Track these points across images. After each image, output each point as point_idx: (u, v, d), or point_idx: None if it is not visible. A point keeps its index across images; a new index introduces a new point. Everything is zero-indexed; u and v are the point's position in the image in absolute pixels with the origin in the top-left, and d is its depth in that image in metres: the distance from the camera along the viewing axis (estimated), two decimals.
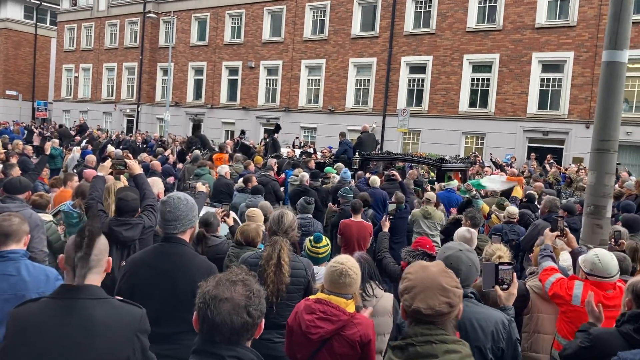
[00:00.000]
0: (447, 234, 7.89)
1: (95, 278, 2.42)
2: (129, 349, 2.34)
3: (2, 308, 3.19)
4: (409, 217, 8.98)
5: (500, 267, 3.24)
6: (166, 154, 14.51)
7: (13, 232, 3.37)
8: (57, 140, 16.83)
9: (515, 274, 3.32)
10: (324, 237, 4.82)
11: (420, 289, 2.04)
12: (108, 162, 5.14)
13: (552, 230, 4.81)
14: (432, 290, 2.02)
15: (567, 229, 4.88)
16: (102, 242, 2.48)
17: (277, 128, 19.58)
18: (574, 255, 4.80)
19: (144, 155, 13.34)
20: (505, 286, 3.23)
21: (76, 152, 12.99)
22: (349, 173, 11.04)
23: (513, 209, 8.03)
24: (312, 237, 4.75)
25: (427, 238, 5.08)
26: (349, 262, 3.27)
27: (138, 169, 4.95)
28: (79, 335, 2.25)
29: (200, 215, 5.49)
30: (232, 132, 30.90)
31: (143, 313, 2.46)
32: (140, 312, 2.46)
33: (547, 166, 17.53)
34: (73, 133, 24.41)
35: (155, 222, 4.55)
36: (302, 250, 5.84)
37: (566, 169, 16.78)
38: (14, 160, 9.44)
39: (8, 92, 44.86)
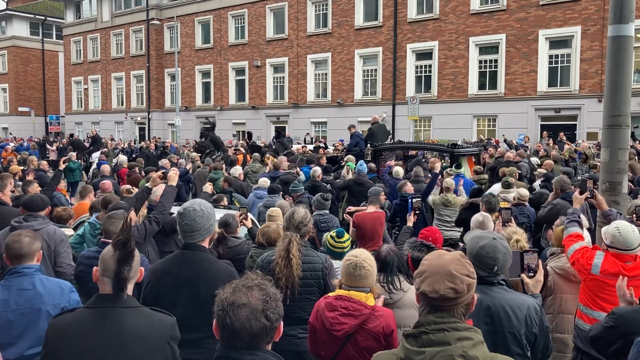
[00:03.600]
0: (465, 219, 7.85)
1: (129, 287, 2.53)
2: (161, 356, 2.43)
3: (19, 322, 3.31)
4: (430, 204, 8.90)
5: (525, 254, 3.22)
6: (188, 167, 14.33)
7: (25, 253, 3.45)
8: (74, 154, 17.01)
9: (540, 260, 3.31)
10: (345, 232, 4.86)
11: (429, 273, 2.10)
12: (159, 174, 5.30)
13: (581, 193, 4.77)
14: (439, 275, 2.07)
15: (596, 191, 4.83)
16: (137, 254, 2.58)
17: (278, 134, 20.00)
18: (605, 217, 4.79)
19: (164, 162, 13.44)
20: (531, 273, 3.21)
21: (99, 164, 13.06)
22: (365, 166, 11.04)
23: (524, 191, 7.91)
24: (333, 233, 4.77)
25: (435, 229, 5.07)
26: (362, 255, 3.32)
27: (172, 181, 5.11)
28: (112, 343, 2.35)
29: (219, 217, 5.58)
30: (243, 132, 31.01)
31: (174, 321, 2.55)
32: (171, 320, 2.54)
33: (566, 143, 17.40)
34: (87, 145, 24.68)
35: (143, 235, 4.60)
36: (321, 246, 5.88)
37: (576, 147, 16.63)
38: (30, 177, 9.57)
39: (20, 109, 45.36)
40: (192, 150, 20.72)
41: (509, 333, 2.85)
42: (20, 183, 8.64)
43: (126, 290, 2.45)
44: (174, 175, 5.14)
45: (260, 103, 32.11)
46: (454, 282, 2.05)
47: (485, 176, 11.22)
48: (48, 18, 47.43)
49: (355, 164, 11.44)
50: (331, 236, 4.75)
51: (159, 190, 5.51)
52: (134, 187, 7.99)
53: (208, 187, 6.23)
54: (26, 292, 3.34)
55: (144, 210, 5.49)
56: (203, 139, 18.75)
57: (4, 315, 3.29)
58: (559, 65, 22.59)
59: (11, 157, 16.05)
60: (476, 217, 5.21)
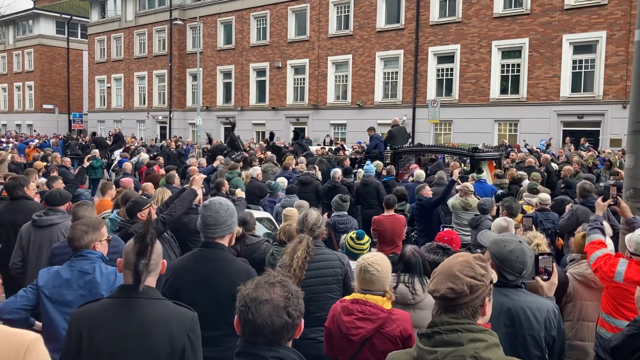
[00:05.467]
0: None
1: (151, 280, 2.59)
2: (180, 347, 2.45)
3: (77, 303, 3.41)
4: (449, 207, 8.83)
5: (540, 257, 3.20)
6: (216, 164, 14.38)
7: (76, 246, 3.61)
8: (97, 151, 17.25)
9: (555, 263, 3.28)
10: (365, 234, 4.86)
11: (437, 273, 2.14)
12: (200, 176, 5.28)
13: (604, 200, 4.66)
14: (443, 275, 2.10)
15: (619, 198, 4.72)
16: (158, 246, 2.62)
17: (296, 135, 20.19)
18: (629, 225, 4.70)
19: (192, 161, 13.57)
20: (545, 276, 3.19)
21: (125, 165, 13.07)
22: (372, 167, 11.06)
23: (545, 196, 7.83)
24: (353, 234, 4.77)
25: (452, 232, 5.01)
26: (371, 259, 3.31)
27: (195, 185, 4.96)
28: (135, 331, 2.42)
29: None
30: (263, 132, 31.16)
31: (195, 316, 2.58)
32: (192, 314, 2.58)
33: (582, 151, 17.16)
34: (109, 143, 24.97)
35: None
36: (339, 247, 5.88)
37: (599, 154, 16.39)
38: (54, 173, 9.72)
39: (45, 106, 46.16)
40: (204, 148, 20.82)
41: (529, 336, 2.84)
42: (44, 179, 8.79)
43: (144, 282, 2.49)
44: (198, 179, 5.07)
45: (280, 104, 32.22)
46: (454, 282, 2.06)
47: (506, 180, 11.13)
48: (74, 17, 48.22)
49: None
50: (351, 237, 4.74)
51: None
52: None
53: (241, 193, 6.19)
54: (87, 276, 3.50)
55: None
56: (218, 142, 18.92)
57: (66, 294, 3.45)
58: (583, 70, 22.29)
59: (37, 154, 16.30)
60: (499, 222, 5.14)
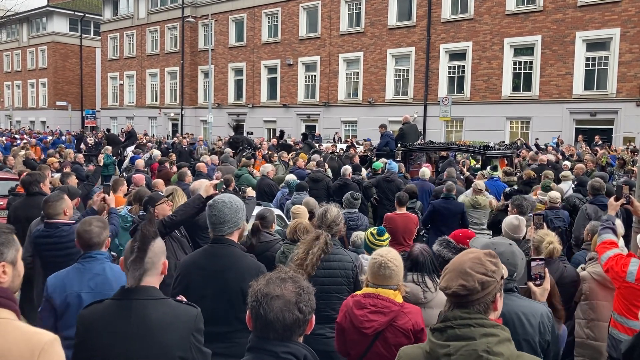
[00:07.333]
0: (499, 221, 7.75)
1: (151, 280, 2.55)
2: (185, 347, 2.47)
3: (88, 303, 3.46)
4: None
5: (532, 262, 3.21)
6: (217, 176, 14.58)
7: (94, 242, 3.61)
8: (109, 148, 17.38)
9: (547, 268, 3.28)
10: (386, 231, 4.88)
11: (449, 270, 2.16)
12: (213, 183, 5.29)
13: (616, 199, 4.59)
14: (455, 272, 2.11)
15: (632, 197, 4.68)
16: (158, 245, 2.59)
17: (305, 136, 20.32)
18: None
19: (207, 159, 13.69)
20: (538, 282, 3.20)
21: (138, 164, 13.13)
22: (395, 164, 11.07)
23: (555, 194, 7.76)
24: (374, 230, 4.79)
25: (468, 231, 4.99)
26: (389, 255, 3.32)
27: (205, 192, 4.69)
28: (138, 333, 2.41)
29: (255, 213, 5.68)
30: (274, 130, 31.22)
31: (198, 312, 2.58)
32: (195, 311, 2.58)
33: (598, 148, 17.03)
34: (122, 139, 25.11)
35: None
36: (349, 245, 5.90)
37: (613, 151, 16.26)
38: (67, 169, 9.82)
39: (58, 103, 46.59)
40: (214, 147, 20.89)
41: (523, 340, 2.81)
42: (57, 174, 8.90)
43: (137, 280, 2.48)
44: (209, 186, 4.97)
45: (292, 101, 32.25)
46: (466, 279, 2.07)
47: (514, 178, 11.09)
48: (86, 15, 48.58)
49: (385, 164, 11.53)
50: (371, 233, 4.76)
51: (196, 185, 5.58)
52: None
53: (251, 192, 6.24)
54: (97, 277, 3.50)
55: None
56: (237, 136, 18.98)
57: (76, 296, 3.46)
58: (596, 67, 22.10)
59: (52, 151, 16.42)
60: (511, 221, 5.09)
